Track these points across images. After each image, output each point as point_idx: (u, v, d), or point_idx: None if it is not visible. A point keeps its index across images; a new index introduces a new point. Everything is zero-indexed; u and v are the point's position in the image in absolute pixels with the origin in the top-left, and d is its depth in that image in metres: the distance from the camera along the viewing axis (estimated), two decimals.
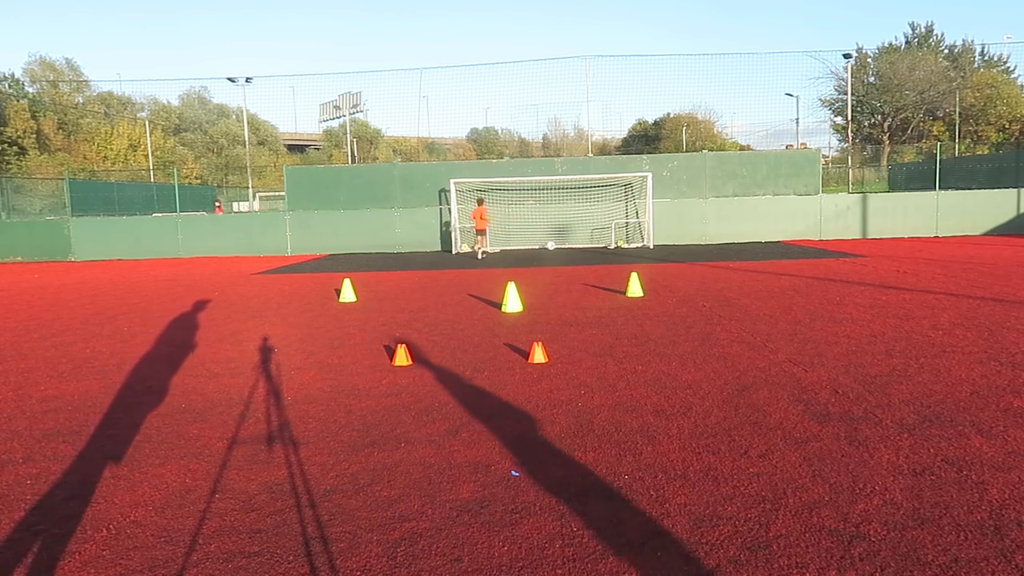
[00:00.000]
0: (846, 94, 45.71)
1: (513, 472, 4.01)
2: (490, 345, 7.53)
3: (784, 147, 42.15)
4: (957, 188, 25.30)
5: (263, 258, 21.59)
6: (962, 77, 48.82)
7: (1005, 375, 5.74)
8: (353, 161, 54.59)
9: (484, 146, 70.34)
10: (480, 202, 20.98)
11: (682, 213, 22.40)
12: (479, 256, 20.26)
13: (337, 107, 60.04)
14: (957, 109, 45.88)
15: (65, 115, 51.36)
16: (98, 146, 50.45)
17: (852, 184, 41.39)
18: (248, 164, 50.44)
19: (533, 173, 22.59)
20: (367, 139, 63.71)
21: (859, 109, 51.80)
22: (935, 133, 49.40)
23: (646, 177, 21.96)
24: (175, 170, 30.30)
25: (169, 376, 6.57)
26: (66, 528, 3.47)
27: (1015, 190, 22.80)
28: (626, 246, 22.01)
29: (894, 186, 37.49)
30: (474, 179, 22.15)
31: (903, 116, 50.79)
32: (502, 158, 38.13)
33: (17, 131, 45.52)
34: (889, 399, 5.17)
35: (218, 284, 14.48)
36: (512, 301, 9.82)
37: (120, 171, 47.17)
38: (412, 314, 9.87)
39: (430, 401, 5.50)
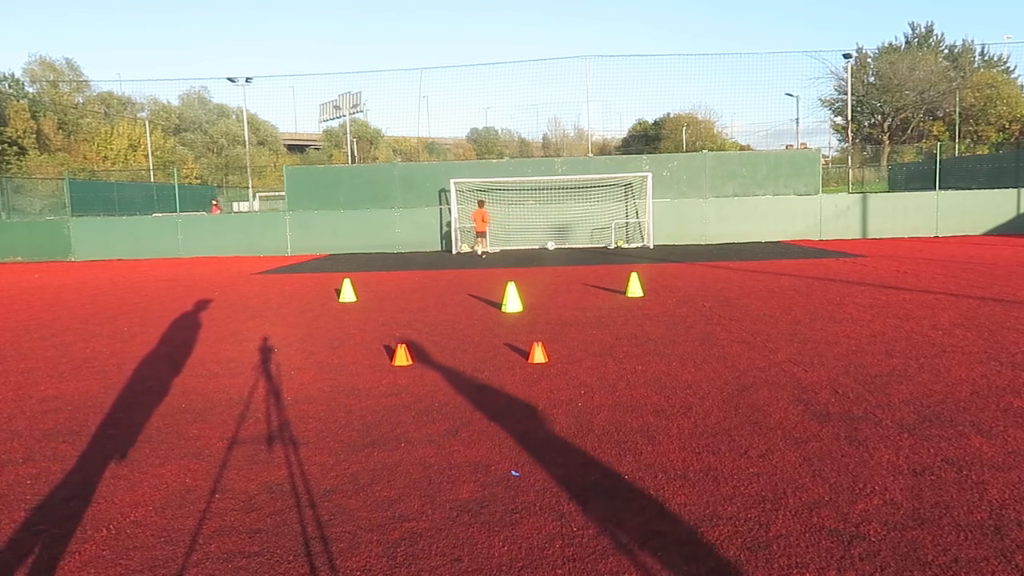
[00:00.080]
0: (846, 94, 45.71)
1: (513, 472, 4.01)
2: (490, 345, 7.53)
3: (784, 147, 42.15)
4: (957, 188, 25.30)
5: (263, 258, 21.59)
6: (962, 77, 48.82)
7: (1005, 375, 5.74)
8: (353, 161, 54.59)
9: (484, 146, 70.34)
10: (481, 204, 20.99)
11: (682, 213, 22.40)
12: (479, 255, 20.28)
13: (337, 107, 60.03)
14: (957, 109, 45.88)
15: (65, 115, 51.37)
16: (98, 146, 50.45)
17: (852, 184, 41.39)
18: (248, 164, 50.43)
19: (533, 173, 22.59)
20: (367, 139, 63.72)
21: (859, 109, 51.80)
22: (935, 133, 49.41)
23: (646, 177, 21.96)
24: (175, 170, 30.30)
25: (169, 376, 6.57)
26: (66, 528, 3.47)
27: (1015, 190, 22.80)
28: (626, 246, 22.01)
29: (894, 186, 37.49)
30: (474, 179, 22.16)
31: (903, 116, 50.79)
32: (502, 158, 38.14)
33: (17, 131, 45.53)
34: (889, 399, 5.17)
35: (218, 284, 14.48)
36: (512, 301, 9.82)
37: (120, 171, 47.18)
38: (412, 314, 9.87)
39: (430, 401, 5.50)
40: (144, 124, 52.72)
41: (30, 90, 51.75)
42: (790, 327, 8.02)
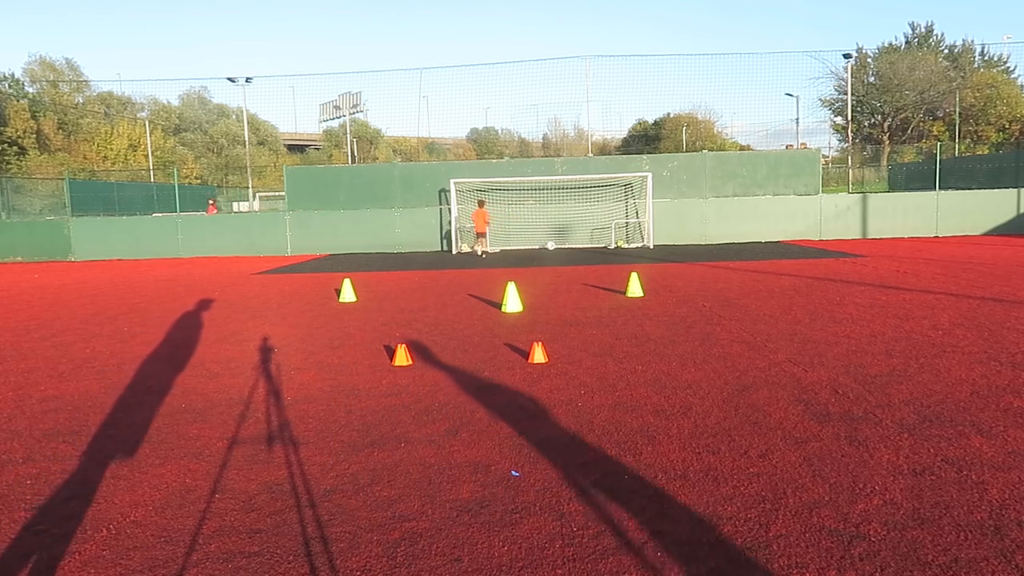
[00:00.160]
0: (846, 94, 45.71)
1: (513, 472, 4.01)
2: (490, 345, 7.53)
3: (784, 147, 42.17)
4: (957, 188, 25.30)
5: (263, 258, 21.59)
6: (962, 77, 48.82)
7: (1005, 375, 5.74)
8: (353, 161, 54.59)
9: (484, 146, 70.34)
10: (481, 204, 20.99)
11: (682, 213, 22.40)
12: (479, 255, 20.28)
13: (337, 107, 60.02)
14: (957, 109, 45.88)
15: (65, 115, 51.37)
16: (98, 146, 50.45)
17: (852, 184, 41.39)
18: (248, 164, 50.43)
19: (533, 173, 22.59)
20: (367, 139, 63.71)
21: (859, 109, 51.80)
22: (935, 133, 49.41)
23: (646, 177, 21.96)
24: (175, 170, 30.30)
25: (169, 376, 6.57)
26: (66, 528, 3.47)
27: (1015, 190, 22.80)
28: (626, 246, 22.00)
29: (894, 186, 37.49)
30: (474, 179, 22.16)
31: (903, 116, 50.79)
32: (502, 158, 38.14)
33: (17, 131, 45.52)
34: (889, 399, 5.17)
35: (218, 284, 14.48)
36: (512, 301, 9.82)
37: (120, 171, 47.18)
38: (412, 314, 9.87)
39: (430, 401, 5.50)
40: (144, 124, 52.72)
41: (30, 90, 51.77)
42: (790, 327, 8.02)
